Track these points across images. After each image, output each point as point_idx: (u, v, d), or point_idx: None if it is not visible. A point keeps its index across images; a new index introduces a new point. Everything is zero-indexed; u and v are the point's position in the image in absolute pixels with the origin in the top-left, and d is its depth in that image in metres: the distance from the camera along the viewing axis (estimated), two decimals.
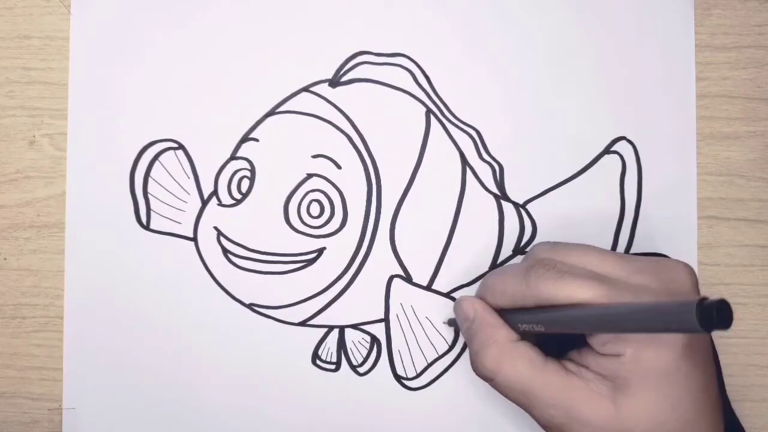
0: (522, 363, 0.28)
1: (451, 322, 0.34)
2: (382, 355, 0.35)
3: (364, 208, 0.35)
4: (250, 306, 0.35)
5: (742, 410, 0.34)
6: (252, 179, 0.35)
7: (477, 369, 0.29)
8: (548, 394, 0.27)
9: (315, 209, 0.35)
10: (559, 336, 0.28)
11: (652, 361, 0.25)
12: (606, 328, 0.25)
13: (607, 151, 0.35)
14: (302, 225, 0.35)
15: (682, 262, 0.28)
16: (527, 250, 0.33)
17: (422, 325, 0.35)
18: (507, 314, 0.29)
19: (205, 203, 0.35)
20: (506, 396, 0.28)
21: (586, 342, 0.27)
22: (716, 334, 0.34)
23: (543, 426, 0.28)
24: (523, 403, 0.28)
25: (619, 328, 0.24)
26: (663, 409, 0.26)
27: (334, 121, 0.35)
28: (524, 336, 0.29)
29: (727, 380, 0.34)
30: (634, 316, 0.23)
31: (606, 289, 0.26)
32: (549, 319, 0.27)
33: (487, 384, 0.35)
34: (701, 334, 0.21)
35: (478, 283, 0.31)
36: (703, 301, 0.20)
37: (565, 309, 0.26)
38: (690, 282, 0.27)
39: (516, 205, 0.35)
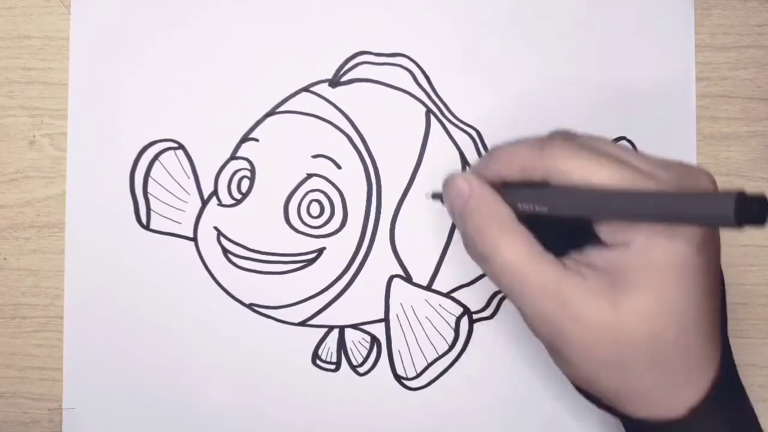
0: (522, 245, 0.25)
1: (437, 196, 0.30)
2: (382, 355, 0.35)
3: (364, 208, 0.35)
4: (250, 306, 0.35)
5: None
6: (252, 179, 0.35)
7: (472, 249, 0.27)
8: (543, 283, 0.25)
9: (315, 209, 0.35)
10: (556, 230, 0.26)
11: (662, 253, 0.23)
12: (625, 214, 0.23)
13: None
14: (302, 225, 0.35)
15: (705, 170, 0.25)
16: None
17: (422, 325, 0.35)
18: (506, 193, 0.26)
19: (205, 203, 0.35)
20: (497, 283, 0.26)
21: (585, 240, 0.25)
22: None
23: (531, 322, 0.26)
24: (515, 291, 0.25)
25: (641, 215, 0.22)
26: (661, 312, 0.24)
27: (334, 121, 0.35)
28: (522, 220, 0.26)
29: None
30: (661, 203, 0.21)
31: (628, 173, 0.23)
32: (560, 198, 0.24)
33: (486, 384, 0.35)
34: (733, 228, 0.20)
35: (479, 159, 0.29)
36: (742, 194, 0.19)
37: (579, 189, 0.24)
38: (713, 188, 0.25)
39: None
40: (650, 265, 0.23)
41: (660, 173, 0.24)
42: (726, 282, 0.35)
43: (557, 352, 0.26)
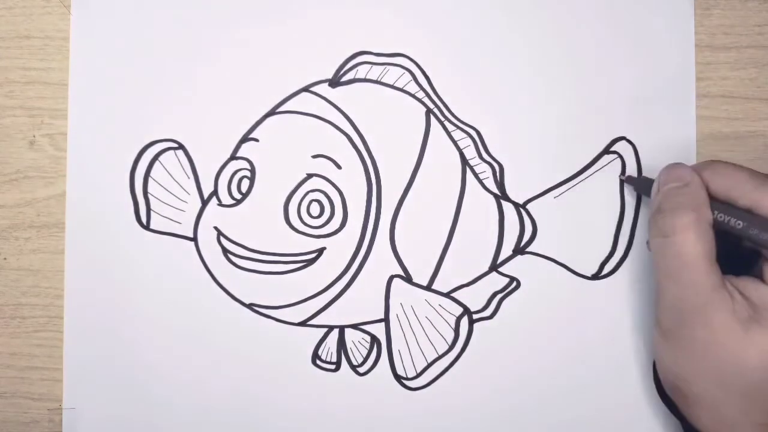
0: (703, 242, 0.28)
1: (630, 180, 0.34)
2: (382, 355, 0.35)
3: (364, 208, 0.35)
4: (250, 306, 0.35)
5: None
6: (252, 179, 0.35)
7: (662, 222, 0.29)
8: (702, 280, 0.28)
9: (315, 209, 0.35)
10: (727, 252, 0.29)
11: None
12: None
13: (607, 151, 0.35)
14: (302, 225, 0.35)
15: None
16: None
17: (422, 325, 0.35)
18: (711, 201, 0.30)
19: (205, 203, 0.35)
20: (661, 258, 0.29)
21: (748, 272, 0.29)
22: None
23: (665, 303, 0.29)
24: (673, 273, 0.28)
25: None
26: None
27: (334, 121, 0.35)
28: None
29: None
30: None
31: None
32: (758, 222, 0.28)
33: (486, 384, 0.35)
34: None
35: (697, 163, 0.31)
36: None
37: None
38: None
39: (516, 205, 0.35)
40: None
41: None
42: None
43: (670, 341, 0.29)
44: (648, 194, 0.32)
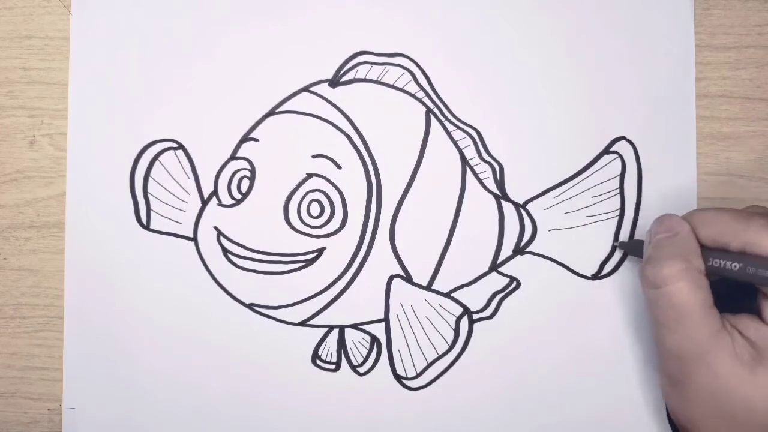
0: (696, 290, 0.28)
1: (623, 245, 0.34)
2: (382, 355, 0.35)
3: (364, 208, 0.35)
4: (250, 306, 0.35)
5: None
6: (252, 179, 0.35)
7: (652, 273, 0.29)
8: (699, 329, 0.28)
9: (315, 209, 0.35)
10: (724, 291, 0.29)
11: None
12: None
13: (607, 151, 0.35)
14: (302, 225, 0.35)
15: None
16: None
17: (422, 325, 0.35)
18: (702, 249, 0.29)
19: (205, 203, 0.35)
20: (656, 309, 0.29)
21: (748, 310, 0.29)
22: None
23: (668, 351, 0.29)
24: (670, 324, 0.28)
25: None
26: None
27: (334, 121, 0.35)
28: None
29: None
30: None
31: None
32: (757, 264, 0.27)
33: (486, 384, 0.35)
34: None
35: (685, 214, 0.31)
36: None
37: None
38: None
39: (516, 205, 0.35)
40: None
41: None
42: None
43: (676, 387, 0.29)
44: (641, 256, 0.32)
